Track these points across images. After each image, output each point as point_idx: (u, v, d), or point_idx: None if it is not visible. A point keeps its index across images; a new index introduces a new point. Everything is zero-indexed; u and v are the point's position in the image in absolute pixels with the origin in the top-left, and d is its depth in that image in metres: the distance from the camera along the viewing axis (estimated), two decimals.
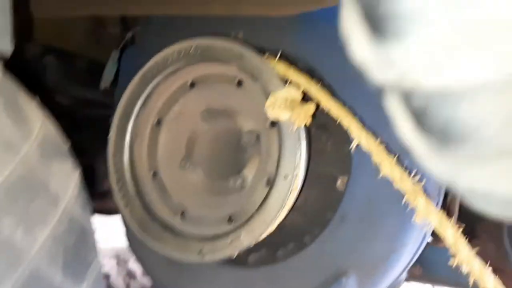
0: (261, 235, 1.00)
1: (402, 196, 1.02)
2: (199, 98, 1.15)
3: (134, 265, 3.35)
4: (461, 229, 0.78)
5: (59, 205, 0.56)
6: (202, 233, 1.07)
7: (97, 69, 1.42)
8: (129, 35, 1.39)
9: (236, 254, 1.04)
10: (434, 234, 1.69)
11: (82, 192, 0.59)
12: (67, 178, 0.58)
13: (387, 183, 1.03)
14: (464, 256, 0.72)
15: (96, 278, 0.57)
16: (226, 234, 1.03)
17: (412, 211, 1.03)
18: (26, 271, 0.50)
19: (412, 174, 0.84)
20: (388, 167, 0.80)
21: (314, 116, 1.06)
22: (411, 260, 1.14)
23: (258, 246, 1.20)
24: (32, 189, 0.53)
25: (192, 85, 1.15)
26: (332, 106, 0.88)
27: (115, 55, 1.39)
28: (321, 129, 1.12)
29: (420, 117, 0.29)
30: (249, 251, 1.19)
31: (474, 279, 0.73)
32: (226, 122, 1.14)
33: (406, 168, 0.86)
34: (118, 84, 1.31)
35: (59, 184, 0.57)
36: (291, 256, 1.12)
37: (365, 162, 1.05)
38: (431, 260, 1.77)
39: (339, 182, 1.12)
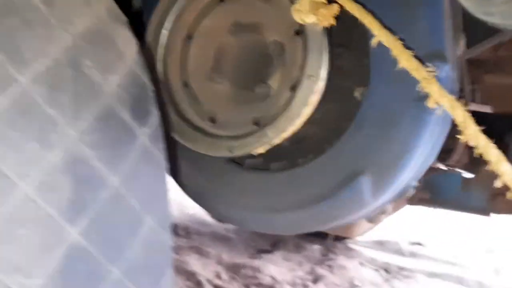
0: (286, 131, 1.09)
1: (414, 102, 1.11)
2: (228, 13, 1.23)
3: None
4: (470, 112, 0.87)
5: (126, 61, 0.65)
6: (231, 134, 1.17)
7: None
8: None
9: (263, 149, 1.13)
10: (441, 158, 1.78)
11: (141, 58, 0.68)
12: (130, 43, 0.67)
13: (402, 91, 1.12)
14: (472, 132, 0.81)
15: (156, 127, 0.67)
16: (253, 133, 1.13)
17: (423, 115, 1.12)
18: (103, 105, 0.60)
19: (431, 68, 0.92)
20: (406, 59, 0.88)
21: (331, 33, 1.13)
22: (422, 165, 1.23)
23: (279, 156, 1.30)
24: (105, 41, 0.63)
25: (221, 0, 1.23)
26: (355, 8, 0.95)
27: None
28: (341, 46, 1.20)
29: None
30: (271, 160, 1.30)
31: (480, 153, 0.82)
32: (252, 35, 1.22)
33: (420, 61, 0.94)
34: (146, 5, 1.39)
35: (124, 45, 0.66)
36: (311, 161, 1.22)
37: (383, 73, 1.13)
38: (439, 185, 1.87)
39: (356, 93, 1.21)
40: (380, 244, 3.30)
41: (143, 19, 1.37)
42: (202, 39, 1.26)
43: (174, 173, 1.36)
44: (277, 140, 1.12)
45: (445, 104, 0.85)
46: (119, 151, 0.61)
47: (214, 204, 1.33)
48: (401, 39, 0.95)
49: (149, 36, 1.24)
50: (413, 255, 3.42)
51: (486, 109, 1.71)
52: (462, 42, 1.28)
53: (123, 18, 0.68)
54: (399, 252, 3.36)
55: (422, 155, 1.19)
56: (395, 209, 1.60)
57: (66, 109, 0.55)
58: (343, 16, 1.12)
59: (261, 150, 1.14)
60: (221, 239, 2.96)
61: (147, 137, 0.65)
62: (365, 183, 1.16)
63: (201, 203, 1.38)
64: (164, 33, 1.24)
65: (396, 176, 1.16)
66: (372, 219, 1.50)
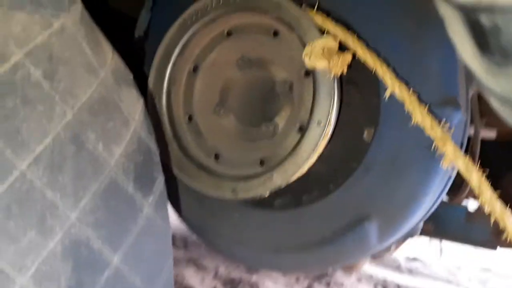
0: (293, 175, 1.06)
1: (425, 149, 1.08)
2: (235, 47, 1.20)
3: None
4: (485, 174, 0.84)
5: (130, 127, 0.62)
6: (236, 173, 1.14)
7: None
8: None
9: (268, 193, 1.10)
10: (449, 193, 1.76)
11: (147, 118, 0.65)
12: (134, 103, 0.64)
13: (412, 136, 1.09)
14: (487, 197, 0.78)
15: (161, 193, 0.64)
16: (259, 175, 1.10)
17: (433, 163, 1.10)
18: (106, 180, 0.57)
19: (442, 123, 0.89)
20: (419, 115, 0.85)
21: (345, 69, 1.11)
22: (429, 210, 1.21)
23: (283, 192, 1.27)
24: (109, 109, 0.59)
25: (229, 34, 1.20)
26: (368, 56, 0.92)
27: (148, 3, 1.42)
28: (350, 83, 1.17)
29: (485, 37, 0.34)
30: (275, 196, 1.26)
31: (495, 219, 0.79)
32: (260, 71, 1.19)
33: (436, 117, 0.91)
34: (150, 33, 1.36)
35: (129, 108, 0.63)
36: (316, 201, 1.19)
37: (393, 114, 1.10)
38: (443, 217, 1.85)
39: (365, 134, 1.18)
40: (378, 260, 3.28)
41: (145, 46, 1.34)
42: (208, 73, 1.23)
43: (176, 206, 1.34)
44: (283, 185, 1.09)
45: (460, 167, 0.82)
46: (122, 227, 0.58)
47: (216, 240, 1.30)
48: (413, 87, 0.91)
49: (154, 68, 1.21)
50: (410, 272, 3.40)
51: (491, 134, 1.69)
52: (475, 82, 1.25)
53: (129, 76, 0.65)
54: (397, 268, 3.35)
55: (431, 201, 1.16)
56: (399, 245, 1.58)
57: (67, 190, 0.52)
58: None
59: (265, 194, 1.11)
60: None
61: (151, 208, 0.62)
62: (371, 228, 1.14)
63: (203, 238, 1.35)
64: (170, 65, 1.21)
65: (403, 222, 1.14)
66: (375, 256, 1.48)
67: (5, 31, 0.47)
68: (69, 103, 0.54)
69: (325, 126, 1.03)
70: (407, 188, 1.11)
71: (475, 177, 0.79)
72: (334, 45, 0.96)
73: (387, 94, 0.93)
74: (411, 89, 0.92)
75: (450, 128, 0.91)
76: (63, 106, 0.53)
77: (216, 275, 2.70)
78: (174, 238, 3.09)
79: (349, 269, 2.56)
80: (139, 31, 1.42)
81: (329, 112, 1.03)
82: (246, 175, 1.13)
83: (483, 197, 0.78)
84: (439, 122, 0.89)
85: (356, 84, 1.17)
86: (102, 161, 0.57)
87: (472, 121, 1.32)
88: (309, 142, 1.05)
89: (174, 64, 1.21)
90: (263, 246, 1.24)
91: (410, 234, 1.28)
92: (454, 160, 0.81)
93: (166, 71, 1.21)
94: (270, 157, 1.14)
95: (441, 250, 2.26)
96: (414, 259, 3.67)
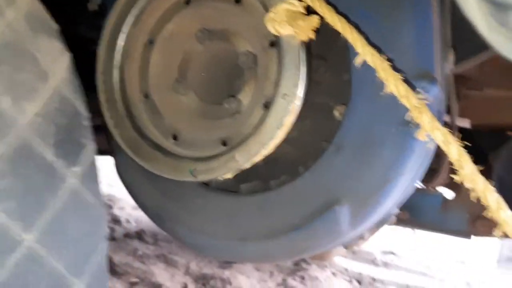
0: (256, 155, 0.97)
1: (399, 126, 1.00)
2: (194, 17, 1.09)
3: (119, 211, 3.35)
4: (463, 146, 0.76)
5: (49, 83, 0.52)
6: (195, 155, 1.04)
7: None
8: None
9: (230, 174, 1.01)
10: (424, 180, 1.70)
11: (74, 77, 0.55)
12: (57, 57, 0.53)
13: (386, 113, 1.01)
14: (468, 171, 0.70)
15: (90, 163, 0.54)
16: (220, 155, 1.00)
17: (408, 141, 1.02)
18: (16, 141, 0.46)
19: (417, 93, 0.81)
20: (393, 83, 0.77)
21: (309, 44, 1.02)
22: (404, 193, 1.13)
23: (250, 177, 1.18)
24: (19, 58, 0.49)
25: (188, 2, 1.09)
26: (337, 20, 0.83)
27: None
28: (319, 59, 1.09)
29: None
30: (241, 180, 1.17)
31: (477, 196, 0.71)
32: (221, 43, 1.09)
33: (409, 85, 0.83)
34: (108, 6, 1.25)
35: (48, 61, 0.52)
36: (284, 185, 1.11)
37: (365, 91, 1.02)
38: (419, 206, 1.79)
39: (336, 112, 1.10)
40: (353, 254, 3.24)
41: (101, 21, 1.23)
42: (165, 45, 1.12)
43: (133, 191, 1.23)
44: (246, 165, 0.99)
45: (437, 138, 0.74)
46: (37, 200, 0.47)
47: (176, 228, 1.20)
48: (389, 60, 0.83)
49: (104, 39, 1.10)
50: (386, 265, 3.37)
51: (465, 123, 1.63)
52: (451, 58, 1.18)
53: (52, 25, 0.54)
54: (372, 262, 3.31)
55: (406, 183, 1.09)
56: (373, 232, 1.50)
57: None
58: (323, 25, 1.01)
59: (228, 175, 1.01)
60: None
61: (77, 179, 0.51)
62: (342, 212, 1.06)
63: (160, 224, 1.25)
64: (122, 36, 1.10)
65: (377, 206, 1.06)
66: (348, 246, 1.40)
67: None
68: None
69: (292, 100, 0.94)
70: (380, 168, 1.03)
71: (455, 149, 0.71)
72: (300, 9, 0.87)
73: (357, 60, 0.84)
74: (384, 56, 0.84)
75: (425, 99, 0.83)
76: None
77: (187, 271, 2.61)
78: (143, 233, 2.99)
79: (320, 258, 2.49)
80: (92, 5, 1.30)
81: (295, 84, 0.93)
82: (207, 156, 1.03)
83: (463, 171, 0.70)
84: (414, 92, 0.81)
85: (325, 60, 1.09)
86: (9, 118, 0.46)
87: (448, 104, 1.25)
88: (274, 118, 0.95)
89: (127, 36, 1.10)
90: (228, 235, 1.15)
91: (384, 221, 1.21)
92: (431, 131, 0.73)
93: (117, 44, 1.10)
94: (233, 136, 1.04)
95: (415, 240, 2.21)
96: (389, 252, 3.65)
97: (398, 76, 0.80)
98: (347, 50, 1.03)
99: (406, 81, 0.81)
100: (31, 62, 0.49)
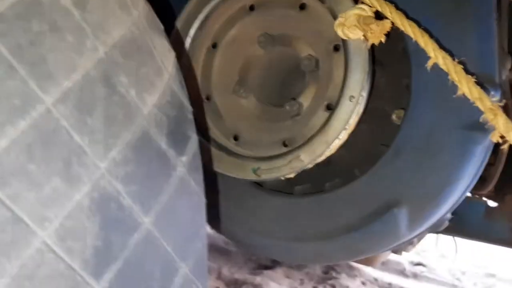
0: (321, 155, 0.99)
1: (460, 130, 1.02)
2: (258, 22, 1.13)
3: None
4: None
5: (163, 77, 0.55)
6: (257, 154, 1.07)
7: None
8: None
9: (293, 174, 1.03)
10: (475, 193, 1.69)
11: (179, 72, 0.58)
12: (167, 54, 0.57)
13: (446, 117, 1.03)
14: None
15: (194, 154, 0.57)
16: (284, 154, 1.03)
17: (469, 145, 1.03)
18: (139, 130, 0.50)
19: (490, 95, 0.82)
20: (466, 86, 0.79)
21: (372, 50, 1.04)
22: (460, 197, 1.14)
23: (303, 179, 1.20)
24: (143, 54, 0.53)
25: (252, 8, 1.13)
26: (408, 25, 0.86)
27: None
28: (376, 64, 1.11)
29: None
30: (294, 182, 1.19)
31: None
32: (283, 48, 1.13)
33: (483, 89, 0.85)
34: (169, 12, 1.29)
35: (162, 57, 0.56)
36: (339, 187, 1.12)
37: (425, 95, 1.04)
38: (462, 213, 1.78)
39: (394, 116, 1.11)
40: (383, 264, 3.21)
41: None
42: (228, 50, 1.16)
43: None
44: (310, 165, 1.02)
45: None
46: (154, 185, 0.51)
47: (230, 227, 1.23)
48: (460, 63, 0.85)
49: (172, 43, 1.14)
50: (415, 276, 3.34)
51: None
52: (508, 65, 1.20)
53: (160, 25, 0.58)
54: (402, 272, 3.28)
55: (463, 187, 1.10)
56: (420, 239, 1.51)
57: (96, 136, 0.45)
58: None
59: (290, 175, 1.04)
60: (221, 251, 2.88)
61: (185, 168, 0.55)
62: (401, 215, 1.07)
63: (216, 225, 1.27)
64: (188, 40, 1.14)
65: (435, 210, 1.07)
66: (398, 250, 1.41)
67: None
68: (100, 39, 0.47)
69: (358, 101, 0.96)
70: (440, 172, 1.04)
71: None
72: (371, 13, 0.89)
73: (429, 64, 0.86)
74: (456, 59, 0.86)
75: (500, 100, 0.84)
76: (95, 41, 0.46)
77: (219, 276, 2.63)
78: None
79: (366, 263, 2.48)
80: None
81: (362, 86, 0.96)
82: (269, 156, 1.06)
83: None
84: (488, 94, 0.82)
85: (382, 65, 1.11)
86: (134, 109, 0.50)
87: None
88: (340, 119, 0.98)
89: (192, 40, 1.14)
90: (283, 235, 1.17)
91: (438, 225, 1.21)
92: (506, 132, 0.75)
93: (184, 46, 1.14)
94: (294, 137, 1.07)
95: (456, 248, 2.19)
96: (419, 264, 3.61)
97: (471, 78, 0.81)
98: (406, 56, 1.05)
99: (479, 83, 0.83)
100: (150, 58, 0.53)
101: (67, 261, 0.42)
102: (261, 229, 1.19)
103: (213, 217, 1.26)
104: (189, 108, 0.58)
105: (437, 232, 1.77)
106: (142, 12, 0.54)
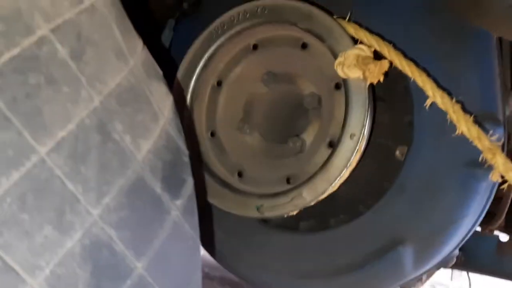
0: (323, 193, 0.99)
1: (464, 167, 1.01)
2: (261, 61, 1.15)
3: None
4: None
5: (159, 122, 0.57)
6: (261, 191, 1.08)
7: None
8: (185, 5, 1.40)
9: (296, 212, 1.03)
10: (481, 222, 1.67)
11: (176, 116, 0.60)
12: (164, 98, 0.59)
13: (449, 154, 1.03)
14: None
15: (189, 197, 0.58)
16: (286, 192, 1.03)
17: (473, 182, 1.03)
18: (133, 176, 0.51)
19: (488, 134, 0.82)
20: (464, 125, 0.79)
21: (374, 87, 1.05)
22: (467, 234, 1.13)
23: (308, 215, 1.20)
24: (139, 101, 0.54)
25: (255, 47, 1.16)
26: (406, 65, 0.87)
27: (171, 23, 1.40)
28: (379, 101, 1.12)
29: None
30: (300, 218, 1.19)
31: None
32: (286, 86, 1.14)
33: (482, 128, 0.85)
34: (172, 55, 1.32)
35: (158, 102, 0.57)
36: (344, 223, 1.12)
37: (428, 132, 1.04)
38: (474, 248, 1.75)
39: (398, 152, 1.11)
40: None
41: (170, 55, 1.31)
42: (233, 87, 1.18)
43: None
44: (312, 203, 1.02)
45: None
46: (147, 230, 0.51)
47: (236, 264, 1.23)
48: (459, 102, 0.85)
49: (178, 81, 1.17)
50: None
51: None
52: (511, 101, 1.19)
53: (159, 71, 0.60)
54: None
55: (469, 224, 1.09)
56: (429, 275, 1.48)
57: (90, 184, 0.46)
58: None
59: (293, 212, 1.04)
60: (232, 284, 2.85)
61: (179, 211, 0.55)
62: (406, 253, 1.06)
63: (221, 261, 1.27)
64: (193, 79, 1.17)
65: (441, 247, 1.06)
66: (406, 287, 1.38)
67: (32, 3, 0.43)
68: (96, 88, 0.48)
69: (359, 139, 0.97)
70: (445, 209, 1.03)
71: None
72: (369, 53, 0.91)
73: (427, 103, 0.87)
74: (454, 98, 0.86)
75: (499, 140, 0.84)
76: (90, 90, 0.48)
77: None
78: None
79: None
80: (165, 38, 1.38)
81: (363, 124, 0.96)
82: (272, 193, 1.06)
83: None
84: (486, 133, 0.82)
85: (385, 101, 1.12)
86: (129, 155, 0.51)
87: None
88: (341, 157, 0.98)
89: (197, 78, 1.16)
90: (288, 272, 1.16)
91: (445, 262, 1.19)
92: (505, 172, 0.74)
93: (189, 85, 1.16)
94: (297, 174, 1.07)
95: (470, 284, 2.14)
96: None
97: (469, 118, 0.82)
98: (408, 93, 1.06)
99: (477, 122, 0.83)
100: (146, 104, 0.54)
101: None
102: (267, 265, 1.18)
103: (218, 253, 1.26)
104: (185, 151, 0.59)
105: (446, 268, 1.74)
106: (139, 59, 0.56)
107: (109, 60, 0.51)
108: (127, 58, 0.53)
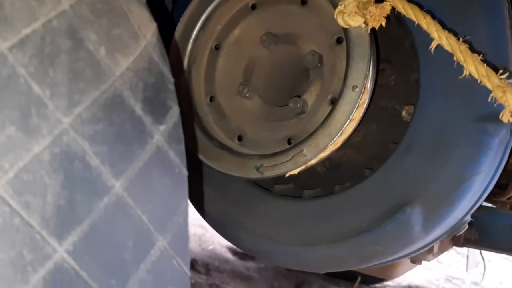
0: (325, 149, 0.95)
1: (474, 122, 0.96)
2: (260, 21, 1.11)
3: None
4: None
5: (140, 42, 0.53)
6: (261, 153, 1.04)
7: None
8: None
9: (297, 170, 0.99)
10: (497, 201, 1.61)
11: (160, 43, 0.57)
12: (147, 23, 0.55)
13: (458, 109, 0.98)
14: None
15: (175, 124, 0.54)
16: (287, 151, 0.99)
17: (485, 137, 0.98)
18: (110, 90, 0.48)
19: (498, 73, 0.77)
20: (472, 64, 0.74)
21: (377, 48, 1.01)
22: (480, 197, 1.08)
23: (313, 184, 1.16)
24: (115, 15, 0.51)
25: (253, 7, 1.12)
26: (409, 7, 0.82)
27: None
28: (384, 63, 1.08)
29: None
30: (304, 186, 1.15)
31: None
32: (287, 46, 1.11)
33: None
34: (177, 5, 1.30)
35: (139, 23, 0.54)
36: (349, 188, 1.08)
37: (435, 89, 1.00)
38: (488, 225, 1.69)
39: (404, 113, 1.07)
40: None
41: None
42: (231, 51, 1.14)
43: (194, 199, 1.23)
44: (314, 161, 0.97)
45: None
46: (126, 149, 0.48)
47: (238, 233, 1.18)
48: (465, 42, 0.81)
49: (173, 44, 1.14)
50: None
51: None
52: None
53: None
54: None
55: (481, 184, 1.03)
56: (441, 250, 1.42)
57: (59, 89, 0.43)
58: (388, 28, 1.00)
59: (295, 171, 0.99)
60: (242, 277, 2.82)
61: (163, 137, 0.52)
62: (414, 214, 1.01)
63: (223, 231, 1.23)
64: (190, 41, 1.13)
65: (451, 208, 1.01)
66: (416, 259, 1.33)
67: None
68: None
69: (361, 91, 0.92)
70: (454, 167, 0.98)
71: None
72: None
73: (433, 45, 0.82)
74: (461, 39, 0.82)
75: (509, 77, 0.79)
76: None
77: None
78: (195, 263, 2.98)
79: (387, 276, 2.37)
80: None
81: (365, 75, 0.92)
82: (273, 153, 1.02)
83: None
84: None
85: (390, 63, 1.08)
86: (104, 67, 0.48)
87: None
88: (343, 110, 0.94)
89: (194, 41, 1.13)
90: (293, 240, 1.12)
91: (456, 229, 1.14)
92: None
93: (186, 48, 1.13)
94: (298, 134, 1.03)
95: (484, 264, 2.08)
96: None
97: (477, 56, 0.77)
98: (414, 50, 1.02)
99: (485, 61, 0.79)
100: (124, 21, 0.51)
101: (23, 216, 0.39)
102: (270, 234, 1.15)
103: (220, 223, 1.22)
104: (170, 78, 0.56)
105: (462, 245, 1.68)
106: None
107: None
108: None
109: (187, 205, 0.55)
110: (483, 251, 1.95)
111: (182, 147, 0.55)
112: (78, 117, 0.45)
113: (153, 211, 0.50)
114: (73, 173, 0.44)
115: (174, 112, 0.55)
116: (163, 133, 0.53)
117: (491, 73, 0.73)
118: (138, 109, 0.51)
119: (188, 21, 1.12)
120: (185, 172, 0.55)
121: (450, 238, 1.41)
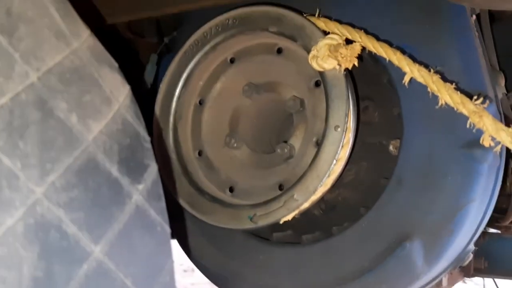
0: (315, 191, 0.94)
1: (461, 149, 0.97)
2: (240, 73, 1.14)
3: None
4: None
5: (112, 106, 0.54)
6: (253, 202, 1.03)
7: None
8: (166, 41, 1.41)
9: (291, 216, 0.98)
10: (500, 226, 1.59)
11: (134, 104, 0.58)
12: (118, 87, 0.57)
13: (444, 138, 0.99)
14: None
15: (153, 182, 0.54)
16: (278, 197, 0.99)
17: (474, 163, 0.98)
18: (83, 156, 0.48)
19: (473, 99, 0.78)
20: (446, 93, 0.75)
21: (355, 86, 1.03)
22: (479, 225, 1.06)
23: (310, 228, 1.14)
24: (85, 82, 0.52)
25: (232, 60, 1.15)
26: (379, 46, 0.84)
27: (153, 58, 1.40)
28: (365, 100, 1.10)
29: None
30: (302, 231, 1.14)
31: None
32: (268, 94, 1.13)
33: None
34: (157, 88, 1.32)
35: (111, 88, 0.55)
36: (347, 228, 1.07)
37: (418, 121, 1.01)
38: (497, 252, 1.65)
39: (391, 147, 1.08)
40: None
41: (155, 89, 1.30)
42: (215, 104, 1.16)
43: (189, 252, 1.22)
44: (306, 204, 0.97)
45: (504, 139, 0.70)
46: (104, 213, 0.48)
47: (240, 286, 1.16)
48: (437, 73, 0.82)
49: (158, 104, 1.15)
50: None
51: None
52: (502, 82, 1.16)
53: (113, 62, 0.58)
54: None
55: (478, 210, 1.02)
56: (451, 282, 1.38)
57: (30, 160, 0.43)
58: (365, 67, 1.03)
59: (288, 217, 0.98)
60: None
61: (142, 196, 0.52)
62: (415, 248, 1.00)
63: (225, 286, 1.21)
64: (174, 100, 1.15)
65: (450, 237, 1.00)
66: None
67: None
68: (32, 65, 0.47)
69: (343, 130, 0.93)
70: (448, 196, 0.98)
71: None
72: (340, 41, 0.89)
73: (406, 79, 0.84)
74: (432, 70, 0.83)
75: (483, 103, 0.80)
76: (25, 66, 0.46)
77: None
78: None
79: None
80: (145, 84, 1.39)
81: (345, 114, 0.93)
82: (265, 201, 1.01)
83: None
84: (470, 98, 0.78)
85: (372, 100, 1.10)
86: (76, 133, 0.48)
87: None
88: (328, 150, 0.94)
89: (178, 99, 1.15)
90: (294, 287, 1.09)
91: (461, 259, 1.12)
92: (495, 133, 0.70)
93: (171, 107, 1.15)
94: (289, 179, 1.03)
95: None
96: None
97: (449, 85, 0.78)
98: (392, 85, 1.03)
99: (459, 89, 0.80)
100: (95, 87, 0.52)
101: None
102: (272, 283, 1.12)
103: (221, 278, 1.19)
104: (146, 137, 0.56)
105: (472, 275, 1.64)
106: (85, 44, 0.54)
107: (47, 39, 0.49)
108: (69, 39, 0.52)
109: (173, 263, 0.54)
110: (496, 279, 1.90)
111: (162, 204, 0.55)
112: (52, 185, 0.45)
113: (136, 273, 0.49)
114: (50, 243, 0.43)
115: (152, 170, 0.56)
116: (142, 192, 0.53)
117: (466, 100, 0.74)
118: (114, 171, 0.51)
119: (170, 80, 1.15)
120: (167, 230, 0.54)
121: (458, 269, 1.38)
